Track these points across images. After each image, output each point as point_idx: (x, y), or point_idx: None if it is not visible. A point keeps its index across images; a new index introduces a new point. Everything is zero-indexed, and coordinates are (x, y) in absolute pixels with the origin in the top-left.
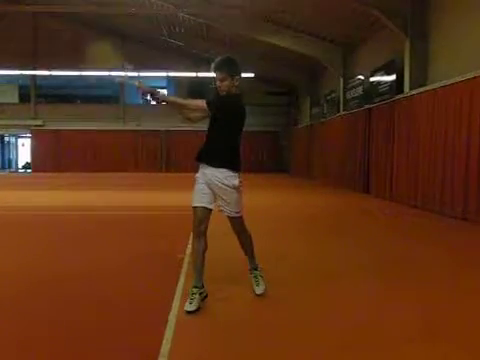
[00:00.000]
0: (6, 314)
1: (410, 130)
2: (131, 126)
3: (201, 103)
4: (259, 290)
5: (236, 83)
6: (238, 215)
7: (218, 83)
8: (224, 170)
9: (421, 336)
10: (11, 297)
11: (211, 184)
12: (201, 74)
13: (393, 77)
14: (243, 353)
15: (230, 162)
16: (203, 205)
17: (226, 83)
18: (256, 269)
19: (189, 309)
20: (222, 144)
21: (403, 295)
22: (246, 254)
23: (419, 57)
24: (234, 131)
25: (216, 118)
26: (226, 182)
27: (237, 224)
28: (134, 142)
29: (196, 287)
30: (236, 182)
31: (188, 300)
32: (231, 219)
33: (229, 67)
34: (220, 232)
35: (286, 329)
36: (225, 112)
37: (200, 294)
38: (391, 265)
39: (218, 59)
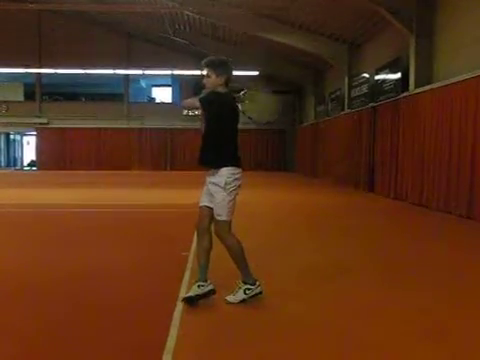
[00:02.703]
0: (13, 311)
1: (415, 128)
2: (135, 124)
3: (194, 101)
4: (230, 297)
5: (220, 82)
6: (220, 218)
7: (204, 80)
8: (214, 170)
9: (428, 336)
10: (15, 294)
11: (208, 183)
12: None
13: (398, 75)
14: (246, 350)
15: (219, 161)
16: (204, 204)
17: (210, 80)
18: (244, 282)
19: (184, 295)
20: (210, 143)
21: (407, 294)
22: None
23: (424, 55)
24: (221, 128)
25: (206, 117)
26: (214, 180)
27: (217, 228)
28: (138, 140)
29: (197, 281)
30: (222, 181)
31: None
32: (214, 222)
33: (214, 65)
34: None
35: (290, 328)
36: (210, 107)
37: (199, 286)
38: (395, 264)
39: (207, 58)
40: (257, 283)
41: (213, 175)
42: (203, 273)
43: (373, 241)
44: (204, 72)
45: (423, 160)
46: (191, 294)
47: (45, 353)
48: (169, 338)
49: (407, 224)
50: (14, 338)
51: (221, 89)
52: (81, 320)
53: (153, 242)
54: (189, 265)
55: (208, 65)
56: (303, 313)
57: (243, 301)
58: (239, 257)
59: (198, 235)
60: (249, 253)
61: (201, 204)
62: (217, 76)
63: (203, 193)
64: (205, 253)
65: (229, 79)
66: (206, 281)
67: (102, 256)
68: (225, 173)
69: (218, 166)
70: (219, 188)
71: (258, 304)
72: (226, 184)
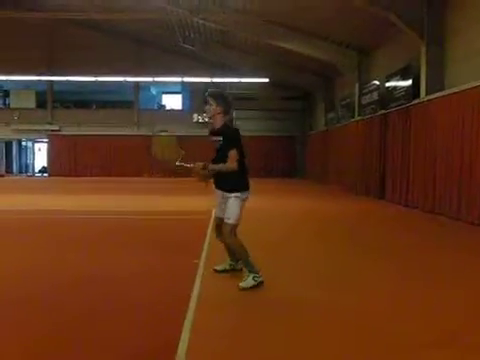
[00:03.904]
0: (26, 314)
1: (426, 135)
2: (146, 131)
3: (234, 153)
4: (242, 284)
5: (219, 110)
6: (228, 222)
7: (205, 107)
8: (234, 193)
9: (442, 342)
10: (26, 298)
11: (223, 197)
12: (216, 79)
13: (409, 82)
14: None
15: (235, 189)
16: (217, 215)
17: (211, 108)
18: (250, 271)
19: (214, 267)
20: (230, 175)
21: (422, 301)
22: (235, 257)
23: (435, 62)
24: (240, 160)
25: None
26: (233, 194)
27: (224, 230)
28: (148, 147)
29: (250, 273)
30: (240, 194)
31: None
32: (223, 224)
33: (215, 95)
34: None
35: (304, 336)
36: (238, 143)
37: (229, 265)
38: (408, 270)
39: (210, 89)
40: (260, 273)
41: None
42: (229, 257)
43: (384, 247)
44: (207, 102)
45: (435, 167)
46: (223, 269)
47: (59, 355)
48: (181, 343)
49: (420, 231)
50: (27, 339)
51: (220, 118)
52: (92, 324)
53: (165, 249)
54: (200, 272)
55: (210, 95)
56: (320, 317)
57: (253, 287)
58: (240, 251)
59: (218, 237)
60: (263, 262)
61: (215, 215)
62: (217, 105)
63: (217, 205)
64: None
65: (227, 108)
66: (236, 262)
67: (114, 262)
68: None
69: (233, 191)
70: (234, 198)
71: (273, 312)
72: (236, 197)
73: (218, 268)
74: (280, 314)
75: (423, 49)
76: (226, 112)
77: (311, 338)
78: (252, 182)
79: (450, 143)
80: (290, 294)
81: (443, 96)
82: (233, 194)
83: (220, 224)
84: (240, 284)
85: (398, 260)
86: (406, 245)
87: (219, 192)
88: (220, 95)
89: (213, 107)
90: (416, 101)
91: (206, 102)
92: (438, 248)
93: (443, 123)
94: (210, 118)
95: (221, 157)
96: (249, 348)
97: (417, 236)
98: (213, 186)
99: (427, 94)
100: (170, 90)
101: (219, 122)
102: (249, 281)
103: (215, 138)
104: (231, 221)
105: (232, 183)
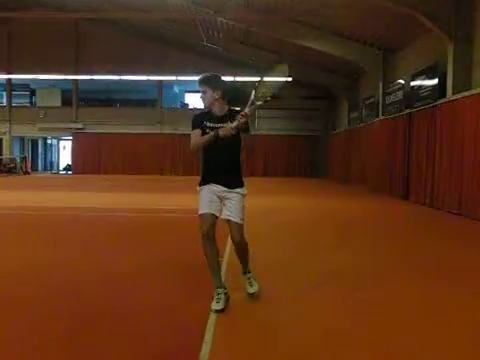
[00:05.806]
0: (39, 311)
1: (453, 135)
2: (168, 129)
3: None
4: (252, 290)
5: (217, 96)
6: (240, 222)
7: (201, 96)
8: (237, 189)
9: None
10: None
11: (220, 194)
12: (239, 78)
13: (435, 81)
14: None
15: (241, 182)
16: (212, 212)
17: (207, 96)
18: (249, 271)
19: (217, 308)
20: (237, 168)
21: (450, 307)
22: (241, 261)
23: (463, 60)
24: (237, 148)
25: (239, 142)
26: (237, 190)
27: (239, 232)
28: (171, 145)
29: (220, 288)
30: (242, 191)
31: (214, 300)
32: (235, 226)
33: (208, 81)
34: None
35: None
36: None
37: (225, 294)
38: (434, 274)
39: (200, 76)
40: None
41: (235, 190)
42: (220, 279)
43: (407, 248)
44: (200, 89)
45: (462, 167)
46: (224, 306)
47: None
48: (204, 344)
49: (446, 234)
50: (38, 338)
51: (220, 103)
52: (111, 324)
53: (187, 246)
54: (223, 268)
55: (203, 81)
56: (338, 321)
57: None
58: (247, 252)
59: (207, 243)
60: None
61: (207, 211)
62: (213, 91)
63: (205, 201)
64: (216, 259)
65: (225, 93)
66: (226, 288)
67: (136, 259)
68: (244, 188)
69: (239, 187)
70: (240, 195)
71: (293, 316)
72: (243, 195)
73: (219, 307)
74: (300, 316)
75: (450, 48)
76: (224, 96)
77: (335, 345)
78: (274, 181)
79: (478, 143)
80: (312, 296)
81: (471, 95)
82: (239, 190)
83: (214, 223)
84: (250, 291)
85: (417, 262)
86: (428, 248)
87: (215, 187)
88: (214, 79)
89: (209, 94)
90: (442, 100)
91: (203, 91)
92: (461, 251)
93: (470, 123)
94: (208, 107)
95: (232, 146)
96: (274, 349)
97: (441, 240)
98: (199, 183)
99: (454, 93)
100: (193, 89)
101: (220, 108)
102: (255, 284)
103: (219, 125)
104: (243, 221)
105: (239, 178)
